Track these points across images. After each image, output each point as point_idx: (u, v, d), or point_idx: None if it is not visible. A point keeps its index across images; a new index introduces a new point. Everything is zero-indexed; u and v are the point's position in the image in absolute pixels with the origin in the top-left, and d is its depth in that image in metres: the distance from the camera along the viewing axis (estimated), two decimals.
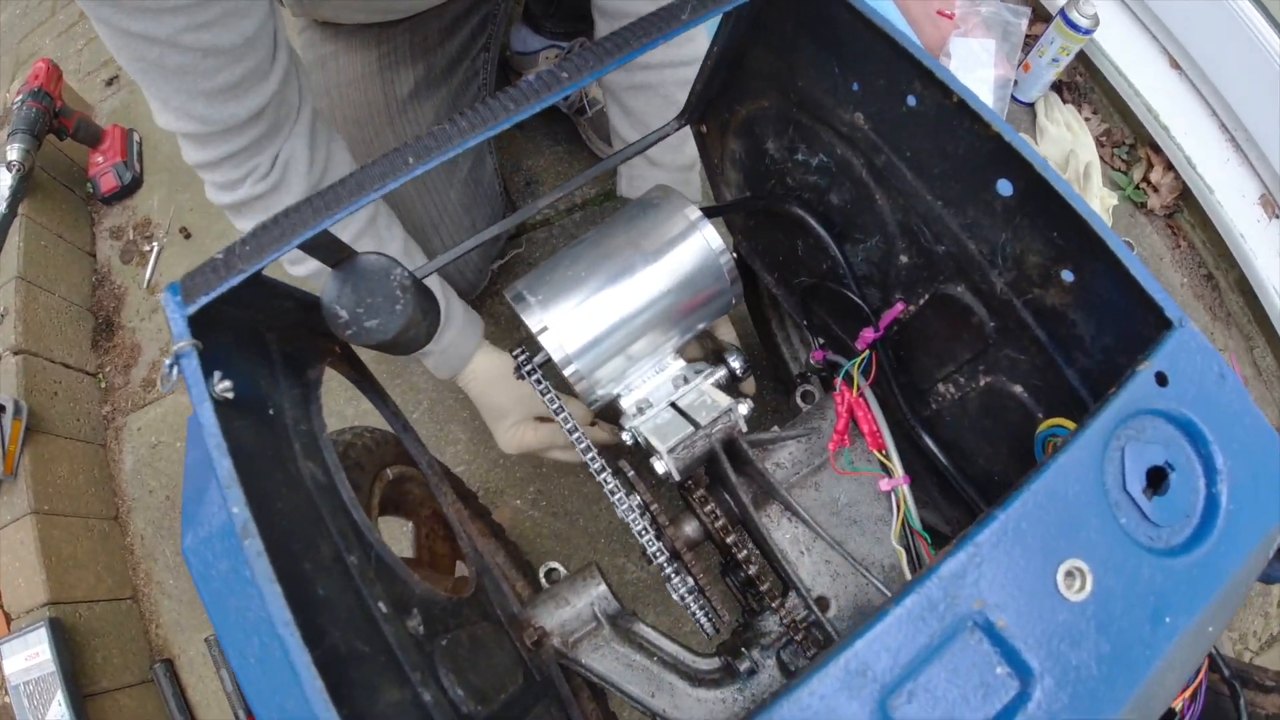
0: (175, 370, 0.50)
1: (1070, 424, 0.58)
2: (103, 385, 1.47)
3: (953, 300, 0.65)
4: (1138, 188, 1.42)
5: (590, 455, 0.77)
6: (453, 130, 0.53)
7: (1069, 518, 0.43)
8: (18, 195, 1.39)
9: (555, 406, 0.78)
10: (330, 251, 0.61)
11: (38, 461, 1.24)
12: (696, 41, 0.96)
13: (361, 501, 0.70)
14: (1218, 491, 0.47)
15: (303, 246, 0.58)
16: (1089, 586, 0.42)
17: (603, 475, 0.76)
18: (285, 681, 0.43)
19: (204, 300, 0.52)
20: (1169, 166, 1.39)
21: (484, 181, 1.17)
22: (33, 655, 1.08)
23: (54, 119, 1.45)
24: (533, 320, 0.73)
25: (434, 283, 0.99)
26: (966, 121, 0.53)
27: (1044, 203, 0.52)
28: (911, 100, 0.56)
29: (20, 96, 1.41)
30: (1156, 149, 1.40)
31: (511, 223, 0.79)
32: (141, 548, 1.31)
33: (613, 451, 1.11)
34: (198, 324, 0.52)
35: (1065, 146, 1.38)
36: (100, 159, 1.57)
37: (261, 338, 0.62)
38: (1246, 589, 0.47)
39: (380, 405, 0.77)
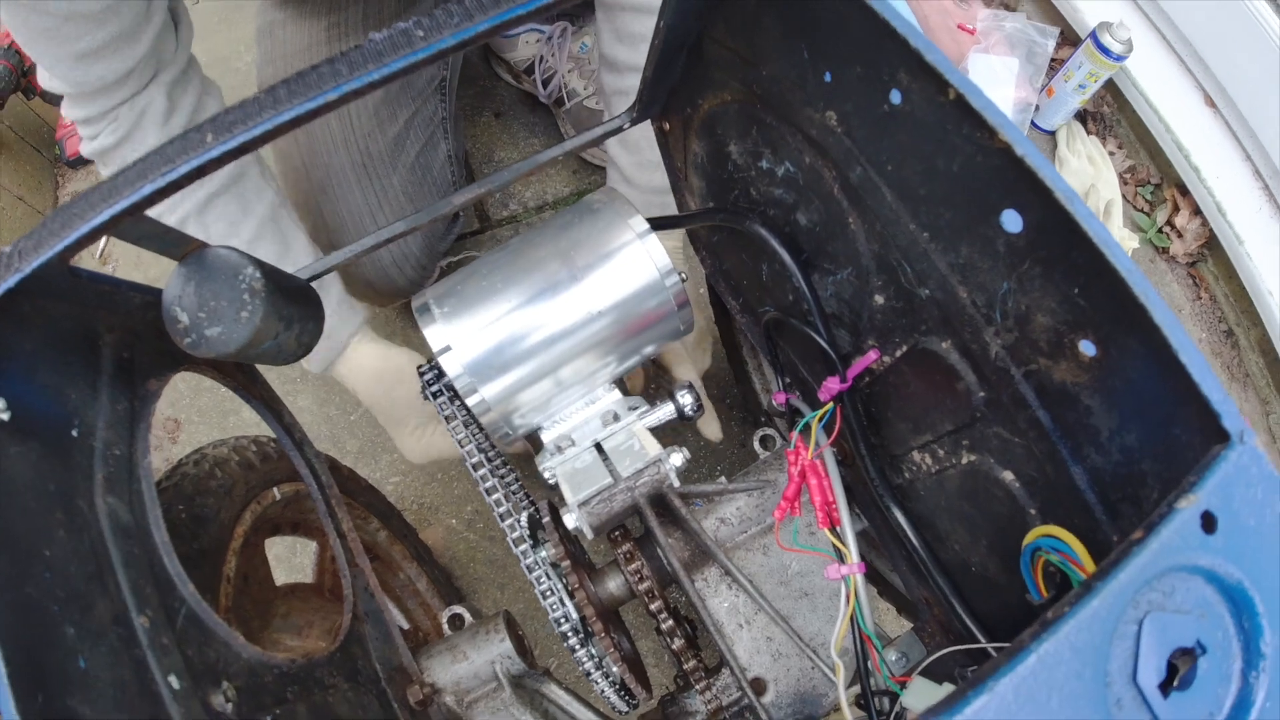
0: None
1: (1068, 537, 0.41)
2: None
3: (935, 358, 0.48)
4: (1160, 231, 1.21)
5: (495, 498, 0.61)
6: (281, 94, 0.37)
7: None
8: None
9: (459, 437, 0.62)
10: (165, 242, 0.46)
11: None
12: None
13: (211, 537, 0.56)
14: (1253, 686, 0.30)
15: (122, 236, 0.43)
16: None
17: (508, 523, 0.60)
18: None
19: None
20: (1196, 211, 1.18)
21: (433, 168, 1.00)
22: None
23: (22, 78, 1.31)
24: (434, 337, 0.58)
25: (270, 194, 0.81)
26: (966, 127, 0.36)
27: (1065, 247, 0.35)
28: (895, 96, 0.39)
29: None
30: (1184, 191, 1.20)
31: (438, 211, 0.63)
32: None
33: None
34: None
35: (1086, 181, 1.18)
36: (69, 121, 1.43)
37: (94, 339, 0.48)
38: None
39: (269, 418, 0.63)
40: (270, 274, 0.49)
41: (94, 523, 0.43)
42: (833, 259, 0.53)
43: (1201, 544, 0.30)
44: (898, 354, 0.52)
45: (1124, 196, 1.22)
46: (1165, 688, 0.29)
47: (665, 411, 0.65)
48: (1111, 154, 1.24)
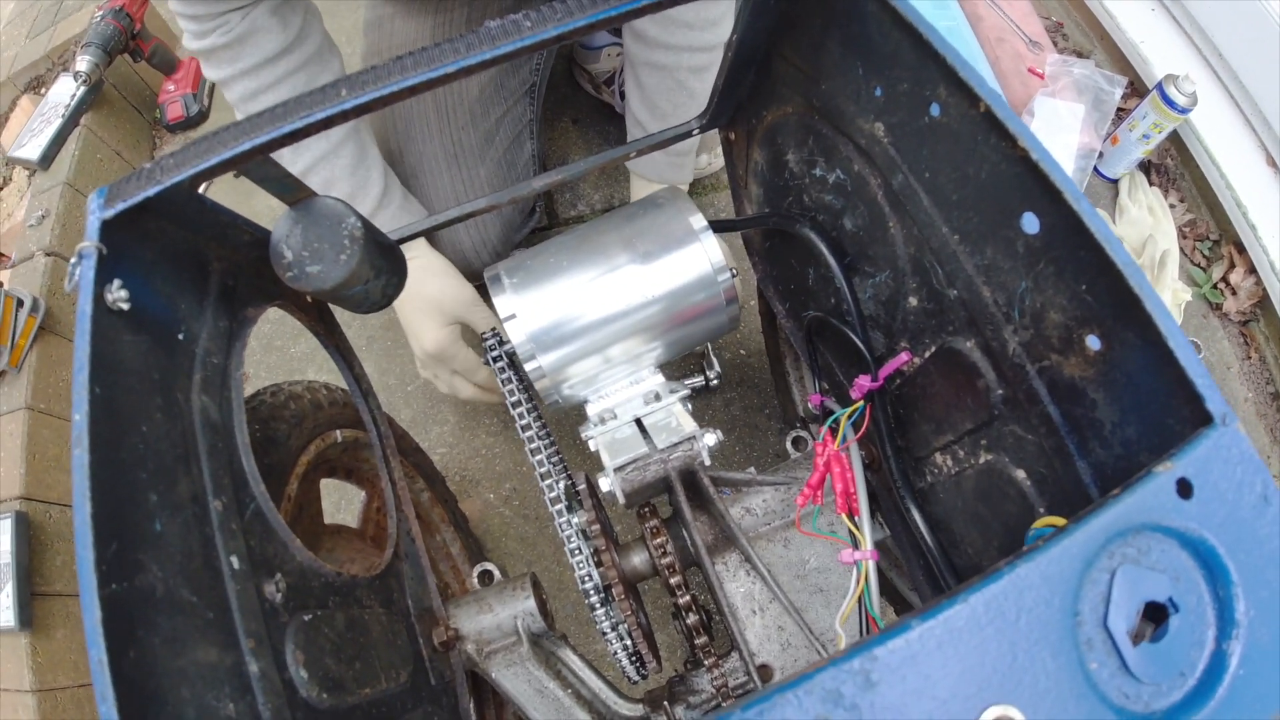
0: (77, 271, 0.45)
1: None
2: None
3: (960, 357, 0.52)
4: (1215, 287, 1.22)
5: (538, 459, 0.67)
6: (408, 63, 0.45)
7: (1017, 650, 0.31)
8: (82, 105, 1.36)
9: (514, 400, 0.69)
10: (283, 186, 0.54)
11: (44, 361, 1.19)
12: (719, 28, 0.88)
13: (281, 456, 0.63)
14: (1228, 650, 0.33)
15: (247, 174, 0.51)
16: None
17: (546, 483, 0.66)
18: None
19: (122, 206, 0.47)
20: (1251, 269, 1.19)
21: (518, 165, 1.10)
22: None
23: (131, 40, 1.40)
24: (502, 305, 0.65)
25: (378, 166, 0.92)
26: (993, 137, 0.41)
27: (1074, 247, 0.39)
28: (935, 109, 0.45)
29: (101, 12, 1.38)
30: (1241, 249, 1.21)
31: (519, 192, 0.71)
32: None
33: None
34: (122, 232, 0.47)
35: (1144, 230, 1.20)
36: (172, 87, 1.55)
37: (205, 264, 0.56)
38: None
39: (341, 364, 0.70)
40: (368, 227, 0.57)
41: (187, 414, 0.50)
42: (873, 262, 0.58)
43: (1176, 508, 0.33)
44: (927, 355, 0.56)
45: (1182, 250, 1.23)
46: (1136, 639, 0.33)
47: (694, 381, 0.70)
48: (1172, 206, 1.26)
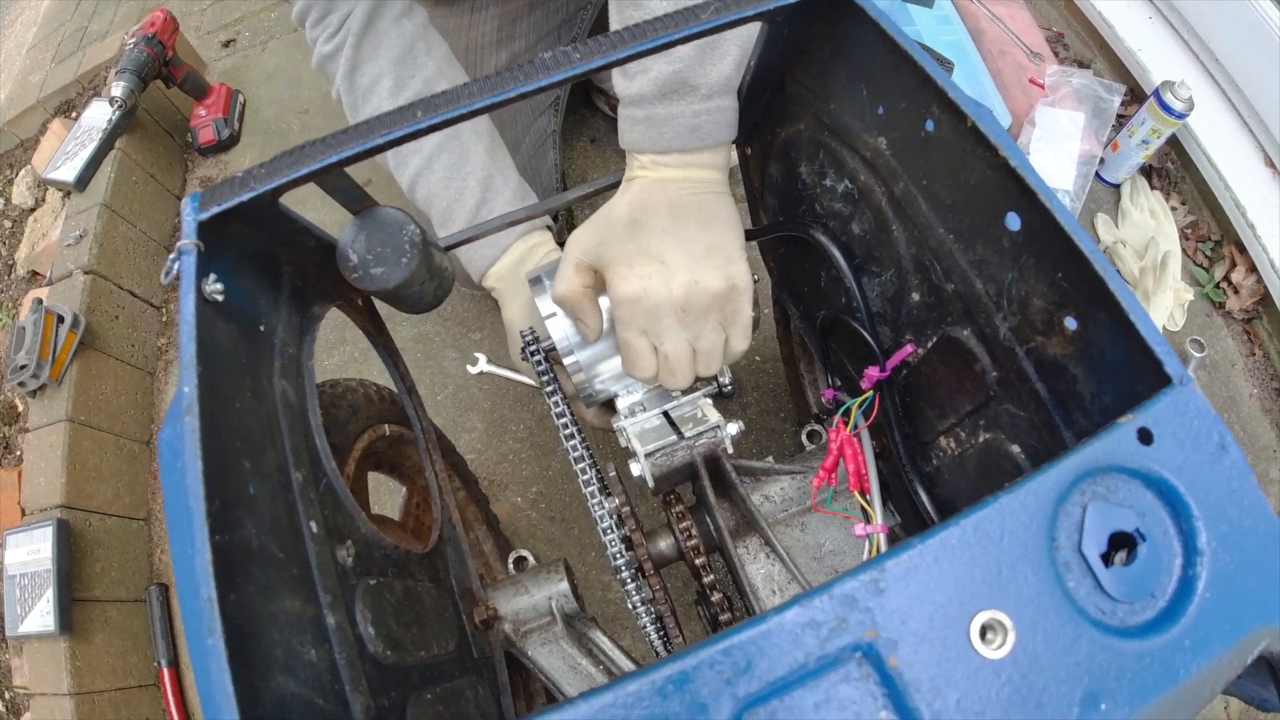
0: (176, 265, 0.53)
1: None
2: (164, 319, 1.53)
3: (958, 345, 0.60)
4: (1218, 286, 1.30)
5: (572, 444, 0.75)
6: (473, 89, 0.54)
7: (1002, 566, 0.38)
8: (117, 129, 1.46)
9: (550, 389, 0.77)
10: (351, 196, 0.63)
11: (84, 375, 1.28)
12: None
13: (341, 440, 0.71)
14: (1195, 575, 0.40)
15: (322, 185, 0.60)
16: (1009, 645, 0.37)
17: (580, 466, 0.74)
18: (189, 557, 0.43)
19: (215, 210, 0.55)
20: (1252, 268, 1.27)
21: (542, 172, 1.19)
22: (34, 550, 1.12)
23: (163, 66, 1.51)
24: (544, 305, 0.73)
25: (477, 175, 0.93)
26: (980, 149, 0.50)
27: (1050, 239, 0.47)
28: (929, 125, 0.54)
29: (134, 39, 1.48)
30: (1242, 248, 1.29)
31: (554, 205, 0.80)
32: None
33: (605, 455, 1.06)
34: (212, 233, 0.55)
35: (1147, 233, 1.29)
36: (203, 112, 1.66)
37: (277, 266, 0.65)
38: (1210, 697, 0.39)
39: (388, 361, 0.79)
40: (425, 234, 0.66)
41: (270, 395, 0.58)
42: (879, 262, 0.66)
43: (1139, 452, 0.41)
44: (929, 345, 0.64)
45: (1184, 251, 1.32)
46: (1107, 561, 0.40)
47: (709, 389, 0.78)
48: (1174, 209, 1.34)
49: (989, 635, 0.37)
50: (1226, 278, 1.30)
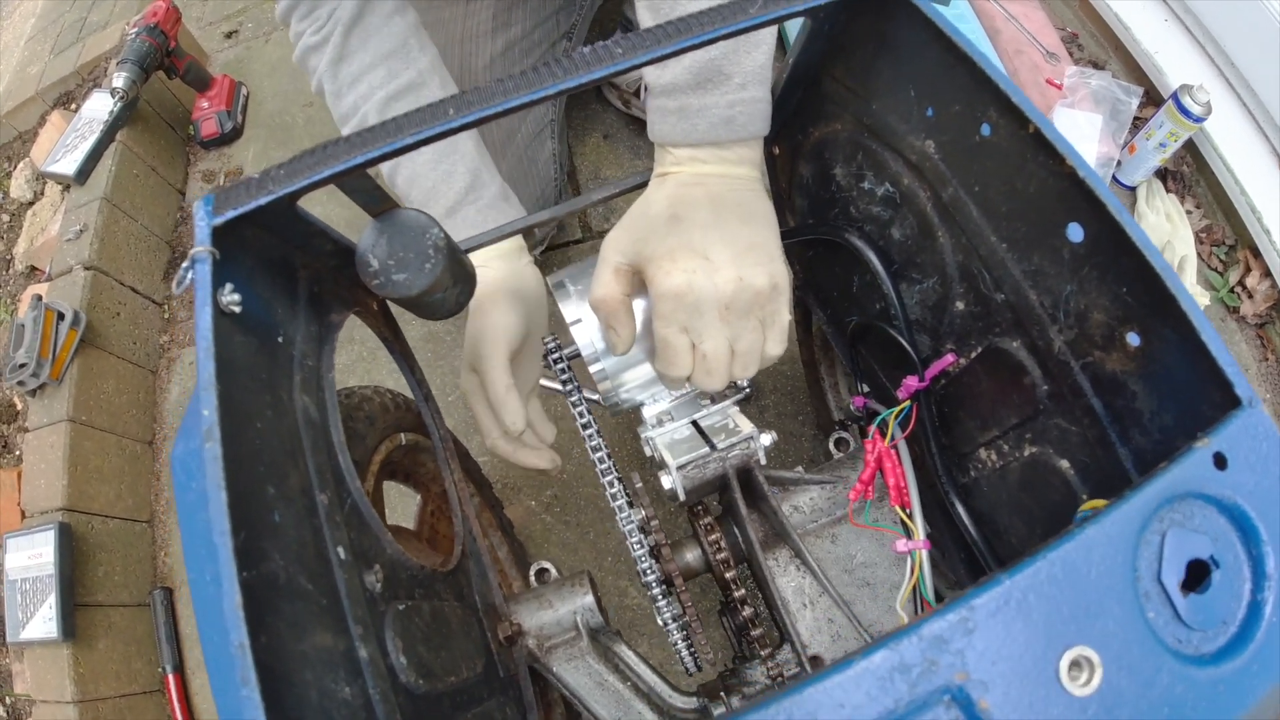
0: (189, 274, 0.50)
1: None
2: (166, 316, 1.50)
3: (1006, 356, 0.58)
4: (1232, 291, 1.29)
5: (599, 455, 0.73)
6: (508, 86, 0.52)
7: (1088, 599, 0.37)
8: (118, 121, 1.43)
9: (574, 399, 0.75)
10: (371, 198, 0.60)
11: (85, 373, 1.25)
12: None
13: (360, 454, 0.69)
14: (1263, 600, 0.39)
15: (341, 187, 0.57)
16: (1096, 681, 0.35)
17: (608, 478, 0.72)
18: (215, 595, 0.40)
19: (230, 214, 0.52)
20: (1266, 273, 1.26)
21: (539, 161, 1.16)
22: (36, 554, 1.09)
23: (165, 57, 1.47)
24: (569, 310, 0.71)
25: (467, 162, 0.88)
26: (1041, 155, 0.48)
27: (1115, 253, 0.46)
28: (986, 129, 0.52)
29: (135, 29, 1.45)
30: (1256, 253, 1.28)
31: (558, 213, 0.77)
32: (169, 476, 1.33)
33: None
34: (226, 238, 0.52)
35: (1162, 237, 1.28)
36: (205, 104, 1.62)
37: (294, 272, 0.62)
38: (1274, 717, 0.38)
39: (404, 368, 0.76)
40: (450, 237, 0.63)
41: (291, 412, 0.56)
42: (920, 269, 0.64)
43: (1214, 478, 0.39)
44: (972, 355, 0.62)
45: (1199, 255, 1.31)
46: (1185, 590, 0.39)
47: (736, 395, 0.76)
48: (1189, 212, 1.33)
49: (1074, 672, 0.35)
50: (1241, 282, 1.29)
